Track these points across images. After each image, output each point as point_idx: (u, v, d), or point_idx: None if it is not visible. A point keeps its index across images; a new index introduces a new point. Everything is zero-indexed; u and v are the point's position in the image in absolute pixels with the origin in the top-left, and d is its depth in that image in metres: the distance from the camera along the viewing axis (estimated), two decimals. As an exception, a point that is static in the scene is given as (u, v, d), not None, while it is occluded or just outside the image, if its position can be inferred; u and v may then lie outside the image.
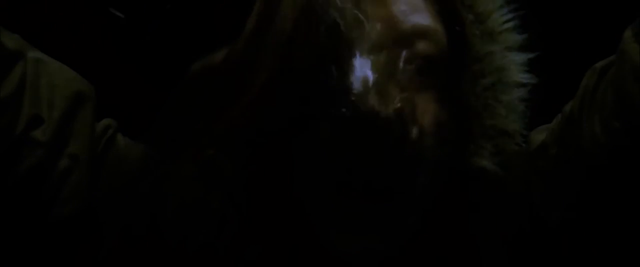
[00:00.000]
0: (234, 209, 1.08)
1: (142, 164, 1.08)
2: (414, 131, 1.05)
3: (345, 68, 1.04)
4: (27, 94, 1.02)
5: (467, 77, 1.15)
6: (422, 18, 1.09)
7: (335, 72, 1.03)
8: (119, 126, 1.12)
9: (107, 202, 1.06)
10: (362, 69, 1.05)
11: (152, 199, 1.07)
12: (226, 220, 1.08)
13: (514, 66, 1.18)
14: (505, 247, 1.13)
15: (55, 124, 1.03)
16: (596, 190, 1.06)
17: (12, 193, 1.02)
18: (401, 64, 1.06)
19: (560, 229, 1.09)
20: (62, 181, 1.03)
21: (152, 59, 1.38)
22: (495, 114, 1.16)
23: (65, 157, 1.03)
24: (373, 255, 1.08)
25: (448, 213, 1.12)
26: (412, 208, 1.07)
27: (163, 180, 1.07)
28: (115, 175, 1.07)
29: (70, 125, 1.04)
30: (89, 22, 1.21)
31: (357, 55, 1.04)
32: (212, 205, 1.08)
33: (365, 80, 1.03)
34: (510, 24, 1.18)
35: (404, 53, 1.06)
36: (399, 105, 1.03)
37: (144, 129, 1.19)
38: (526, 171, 1.12)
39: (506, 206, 1.13)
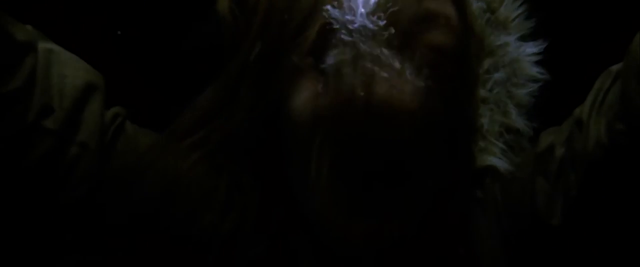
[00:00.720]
0: (239, 197, 1.11)
1: (152, 150, 1.11)
2: (427, 118, 1.05)
3: (359, 51, 1.05)
4: (38, 84, 1.05)
5: (479, 69, 1.15)
6: (437, 4, 1.09)
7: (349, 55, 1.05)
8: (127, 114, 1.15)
9: (116, 188, 1.09)
10: (376, 52, 1.05)
11: (159, 186, 1.10)
12: (230, 208, 1.11)
13: (527, 59, 1.18)
14: (505, 248, 1.14)
15: (65, 113, 1.06)
16: (595, 191, 1.07)
17: (25, 178, 1.05)
18: (415, 49, 1.06)
19: (562, 229, 1.09)
20: (72, 167, 1.06)
21: (153, 60, 1.38)
22: (506, 111, 1.16)
23: (75, 145, 1.06)
24: (376, 243, 1.08)
25: (451, 209, 1.13)
26: (422, 195, 1.08)
27: (170, 170, 1.11)
28: (124, 161, 1.10)
29: (80, 115, 1.07)
30: (89, 22, 1.21)
31: (372, 39, 1.05)
32: (218, 194, 1.11)
33: (379, 64, 1.04)
34: (522, 12, 1.18)
35: (418, 38, 1.07)
36: (414, 90, 1.04)
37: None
38: (532, 171, 1.12)
39: (509, 206, 1.13)
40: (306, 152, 1.06)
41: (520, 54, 1.19)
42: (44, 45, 1.08)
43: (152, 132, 1.15)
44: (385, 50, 1.04)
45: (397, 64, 1.04)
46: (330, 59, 1.06)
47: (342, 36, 1.06)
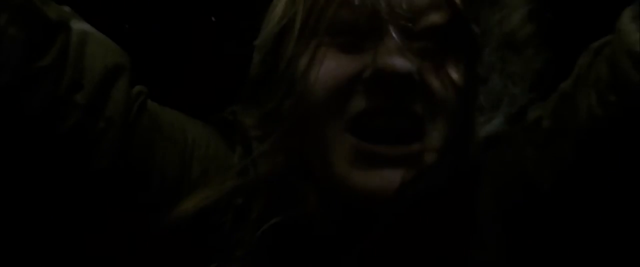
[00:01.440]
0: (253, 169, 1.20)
1: (174, 124, 1.21)
2: (430, 85, 1.14)
3: (368, 28, 1.13)
4: (69, 61, 1.13)
5: (475, 44, 1.20)
6: None
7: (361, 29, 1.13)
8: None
9: (140, 159, 1.18)
10: (382, 30, 1.13)
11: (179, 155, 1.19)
12: (244, 173, 1.20)
13: (520, 29, 1.22)
14: (502, 218, 1.18)
15: (93, 89, 1.14)
16: (590, 158, 1.11)
17: (56, 147, 1.13)
18: (419, 25, 1.14)
19: (553, 196, 1.14)
20: (99, 139, 1.14)
21: (153, 59, 1.40)
22: (501, 82, 1.20)
23: (103, 119, 1.14)
24: (389, 198, 1.14)
25: (456, 175, 1.18)
26: (429, 156, 1.15)
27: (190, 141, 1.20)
28: (148, 135, 1.18)
29: (108, 92, 1.15)
30: (90, 21, 1.22)
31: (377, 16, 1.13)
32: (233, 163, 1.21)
33: (387, 41, 1.13)
34: None
35: (420, 17, 1.14)
36: (417, 64, 1.12)
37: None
38: (522, 142, 1.17)
39: (504, 175, 1.18)
40: (329, 113, 1.14)
41: (511, 23, 1.23)
42: (78, 25, 1.15)
43: (172, 110, 1.23)
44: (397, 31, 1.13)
45: (403, 41, 1.13)
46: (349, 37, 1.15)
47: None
